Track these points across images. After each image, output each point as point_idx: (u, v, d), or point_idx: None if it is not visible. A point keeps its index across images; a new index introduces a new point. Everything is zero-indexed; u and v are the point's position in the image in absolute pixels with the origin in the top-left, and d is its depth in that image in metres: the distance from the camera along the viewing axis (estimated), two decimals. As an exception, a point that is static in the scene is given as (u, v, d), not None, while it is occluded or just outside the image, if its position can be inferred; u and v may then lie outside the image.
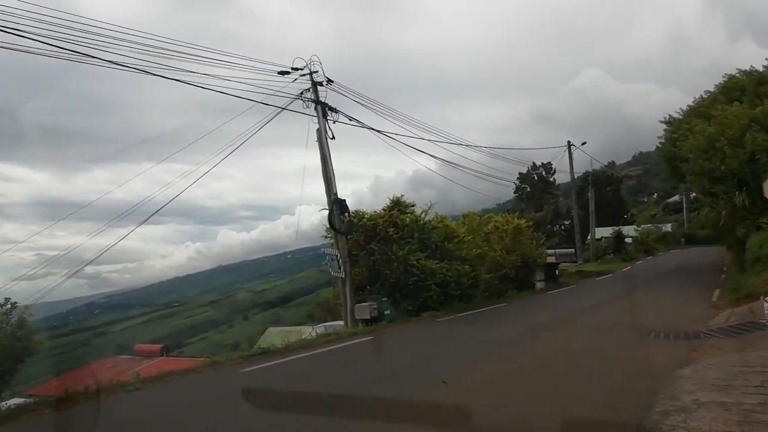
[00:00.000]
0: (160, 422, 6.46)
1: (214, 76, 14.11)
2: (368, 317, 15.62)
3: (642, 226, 54.07)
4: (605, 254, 43.08)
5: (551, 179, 53.98)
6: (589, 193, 44.47)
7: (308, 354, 11.01)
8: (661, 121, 25.20)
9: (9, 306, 14.89)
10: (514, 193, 53.62)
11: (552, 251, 35.90)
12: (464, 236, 20.13)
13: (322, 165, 16.99)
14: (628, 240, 45.93)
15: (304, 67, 16.34)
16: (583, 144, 42.00)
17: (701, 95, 23.73)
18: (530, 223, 28.60)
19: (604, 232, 47.62)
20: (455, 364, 8.70)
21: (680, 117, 23.98)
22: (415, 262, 17.24)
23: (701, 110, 21.83)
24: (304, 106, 16.63)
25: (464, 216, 23.81)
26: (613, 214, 55.11)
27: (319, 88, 16.72)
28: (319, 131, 16.80)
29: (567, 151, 40.71)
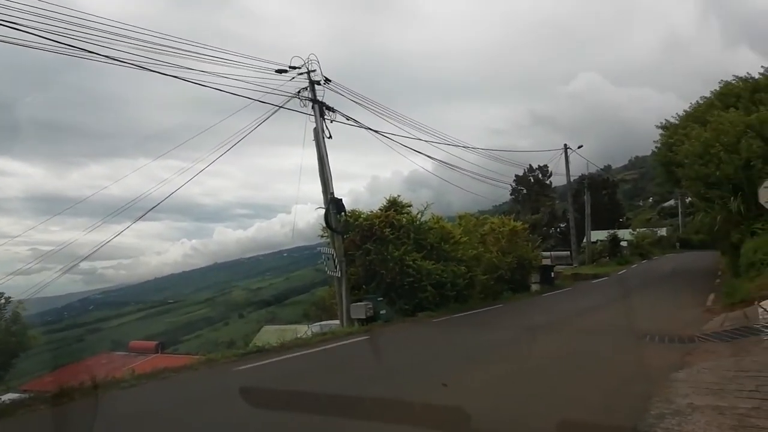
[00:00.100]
0: (156, 419, 6.45)
1: (211, 73, 14.06)
2: (364, 317, 15.62)
3: (637, 229, 54.50)
4: (600, 257, 43.39)
5: (547, 182, 54.05)
6: (585, 196, 44.58)
7: (304, 353, 11.00)
8: (657, 126, 25.44)
9: (3, 301, 14.84)
10: (511, 195, 53.75)
11: (548, 253, 36.13)
12: (460, 237, 20.21)
13: (319, 164, 17.00)
14: (624, 243, 46.30)
15: (302, 65, 16.36)
16: (579, 147, 42.18)
17: (697, 101, 23.94)
18: (526, 225, 28.64)
19: (599, 235, 47.90)
20: (451, 365, 8.72)
21: (676, 122, 24.15)
22: (411, 262, 17.26)
23: (697, 116, 21.98)
24: (302, 104, 16.61)
25: (460, 217, 23.86)
26: (609, 218, 55.46)
27: (316, 87, 16.69)
28: (316, 130, 16.77)
29: (563, 154, 40.83)
